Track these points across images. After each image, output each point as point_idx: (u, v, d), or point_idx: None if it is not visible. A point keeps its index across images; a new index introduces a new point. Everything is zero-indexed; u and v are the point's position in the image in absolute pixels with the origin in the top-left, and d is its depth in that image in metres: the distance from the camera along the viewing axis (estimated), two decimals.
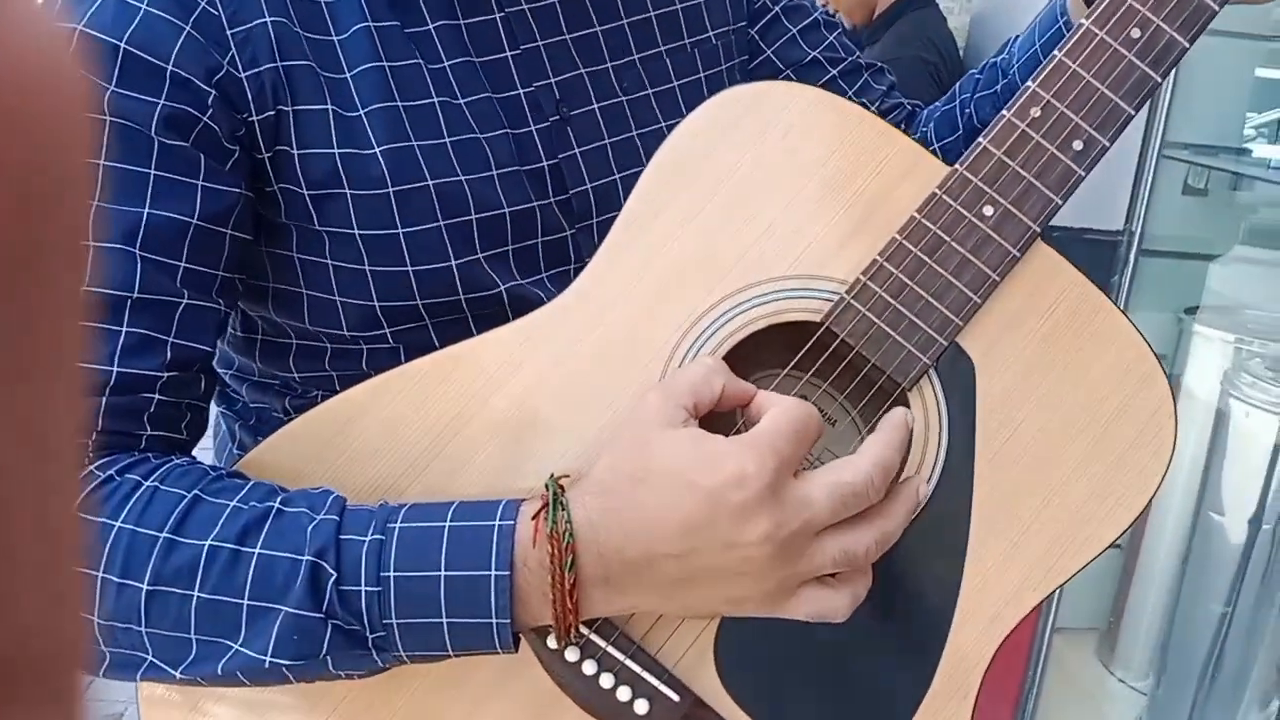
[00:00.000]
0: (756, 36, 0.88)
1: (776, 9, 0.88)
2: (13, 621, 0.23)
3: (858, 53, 0.93)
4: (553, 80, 0.74)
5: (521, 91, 0.73)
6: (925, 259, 0.62)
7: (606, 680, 0.59)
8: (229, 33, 0.63)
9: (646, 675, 0.59)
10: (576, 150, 0.75)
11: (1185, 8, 0.64)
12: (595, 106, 0.76)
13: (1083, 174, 0.63)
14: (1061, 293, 0.63)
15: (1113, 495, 0.63)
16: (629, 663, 0.60)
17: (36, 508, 0.24)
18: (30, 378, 0.23)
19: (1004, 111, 0.63)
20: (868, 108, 0.90)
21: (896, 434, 0.58)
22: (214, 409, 0.79)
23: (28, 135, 0.22)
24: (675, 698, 0.59)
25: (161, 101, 0.61)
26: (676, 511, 0.54)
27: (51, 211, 0.23)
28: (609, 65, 0.77)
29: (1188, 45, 0.65)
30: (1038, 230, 0.62)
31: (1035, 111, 0.63)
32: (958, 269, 0.62)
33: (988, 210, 0.62)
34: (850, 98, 0.89)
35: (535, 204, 0.73)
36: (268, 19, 0.64)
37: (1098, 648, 2.08)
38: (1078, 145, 0.63)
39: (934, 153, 0.88)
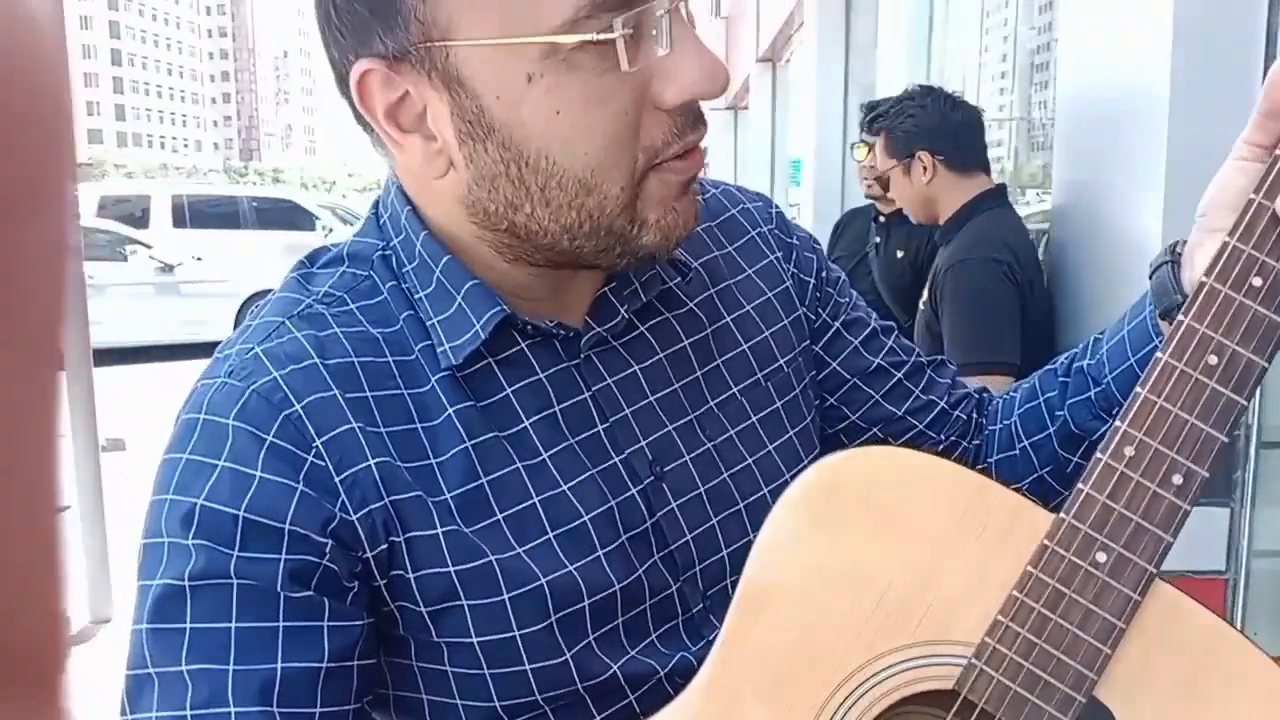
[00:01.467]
0: (821, 352, 0.91)
1: (837, 325, 0.92)
2: None
3: (917, 351, 0.96)
4: (643, 443, 0.77)
5: (617, 460, 0.76)
6: (1048, 614, 0.63)
7: None
8: (337, 480, 0.67)
9: None
10: (674, 504, 0.77)
11: (1257, 329, 0.66)
12: (686, 459, 0.79)
13: (1188, 508, 0.64)
14: (1190, 631, 0.63)
15: None
16: None
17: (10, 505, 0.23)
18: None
19: (1099, 454, 0.65)
20: (937, 403, 0.93)
21: None
22: None
23: None
24: None
25: (283, 557, 0.65)
26: None
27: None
28: (692, 417, 0.80)
29: (1267, 365, 0.66)
30: (1155, 571, 0.63)
31: (1129, 451, 0.65)
32: (1082, 621, 0.62)
33: (1101, 557, 0.63)
34: (918, 395, 0.92)
35: (640, 570, 0.74)
36: (371, 461, 0.68)
37: None
38: (1177, 480, 0.64)
39: (1024, 450, 0.90)
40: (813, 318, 0.92)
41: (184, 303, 11.41)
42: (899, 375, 0.92)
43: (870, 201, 3.34)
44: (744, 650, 0.67)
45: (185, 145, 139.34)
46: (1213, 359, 0.66)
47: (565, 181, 0.67)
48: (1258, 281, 0.67)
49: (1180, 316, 0.67)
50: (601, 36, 0.64)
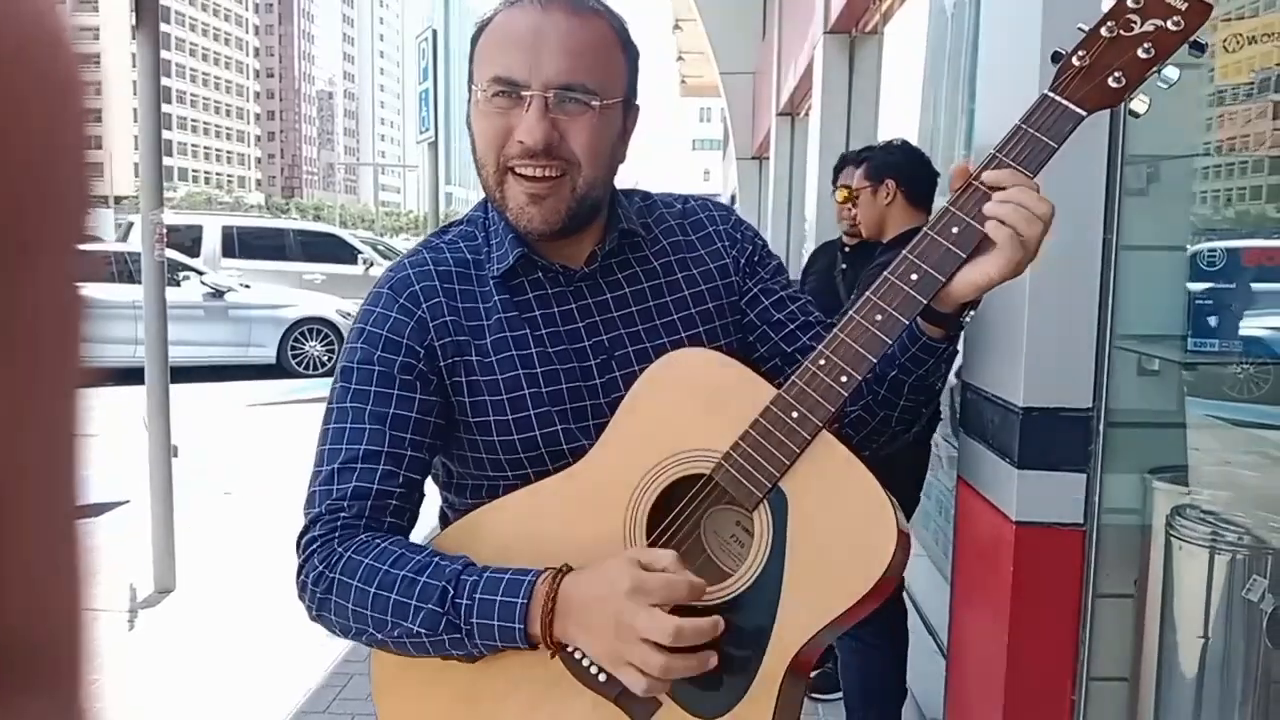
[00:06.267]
0: (744, 306, 1.41)
1: (756, 290, 1.41)
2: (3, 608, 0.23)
3: (813, 314, 1.44)
4: (604, 337, 1.34)
5: (587, 344, 1.33)
6: (762, 441, 1.16)
7: (590, 665, 1.15)
8: (431, 324, 1.28)
9: None
10: (617, 374, 1.33)
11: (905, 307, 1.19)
12: (629, 350, 1.34)
13: (845, 395, 1.16)
14: (834, 458, 1.16)
15: (857, 572, 1.12)
16: None
17: (26, 501, 0.24)
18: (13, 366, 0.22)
19: (807, 362, 1.18)
20: (814, 346, 1.46)
21: (703, 627, 1.09)
22: None
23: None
24: None
25: (400, 359, 1.27)
26: (596, 590, 1.11)
27: (30, 191, 0.22)
28: (640, 328, 1.35)
29: (907, 322, 1.18)
30: (821, 426, 1.16)
31: (821, 361, 1.18)
32: (779, 446, 1.16)
33: (794, 415, 1.16)
34: (803, 341, 1.40)
35: (588, 402, 1.31)
36: (447, 318, 1.29)
37: None
38: (844, 379, 1.16)
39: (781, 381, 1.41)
40: (740, 283, 1.43)
41: (232, 327, 12.13)
42: (792, 326, 1.41)
43: (838, 236, 4.14)
44: (606, 451, 1.24)
45: (229, 181, 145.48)
46: (879, 317, 1.18)
47: (477, 157, 1.30)
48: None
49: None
50: (489, 93, 1.25)
